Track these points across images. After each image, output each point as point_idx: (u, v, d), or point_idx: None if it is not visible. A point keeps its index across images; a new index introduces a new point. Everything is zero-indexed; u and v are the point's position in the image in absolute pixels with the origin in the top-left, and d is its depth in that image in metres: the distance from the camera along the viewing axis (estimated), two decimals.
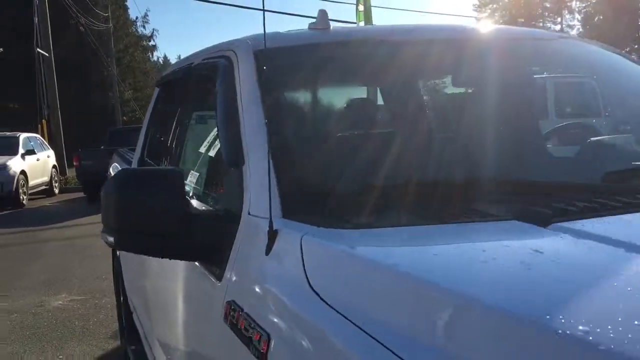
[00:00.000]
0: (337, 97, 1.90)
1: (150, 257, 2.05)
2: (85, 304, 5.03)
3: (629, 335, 0.66)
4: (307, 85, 1.74)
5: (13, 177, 12.00)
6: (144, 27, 40.42)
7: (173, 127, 2.31)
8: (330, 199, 1.24)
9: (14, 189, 11.97)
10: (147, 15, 42.55)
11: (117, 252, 3.41)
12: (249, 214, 1.29)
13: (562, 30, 47.83)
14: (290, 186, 1.27)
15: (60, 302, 5.14)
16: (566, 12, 48.17)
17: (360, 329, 0.84)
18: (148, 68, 41.48)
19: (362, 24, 10.69)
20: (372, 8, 11.07)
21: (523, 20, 48.32)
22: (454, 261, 0.97)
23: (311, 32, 1.82)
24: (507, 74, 1.68)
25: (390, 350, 0.77)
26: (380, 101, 2.02)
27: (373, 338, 0.81)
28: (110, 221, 1.35)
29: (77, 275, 6.06)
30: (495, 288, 0.86)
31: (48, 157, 14.81)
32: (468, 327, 0.78)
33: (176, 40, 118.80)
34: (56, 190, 14.70)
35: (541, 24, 49.65)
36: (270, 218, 1.16)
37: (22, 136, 13.66)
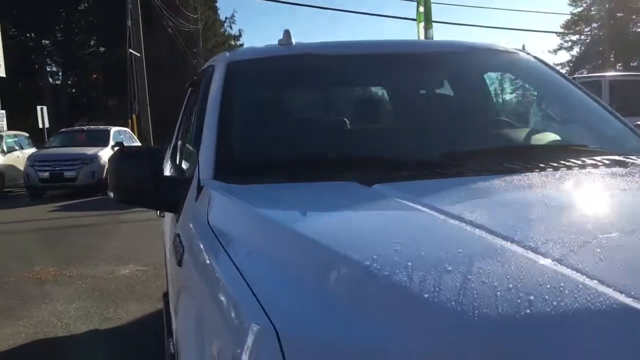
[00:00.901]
0: (286, 97, 2.45)
1: (165, 222, 2.68)
2: (147, 273, 5.85)
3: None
4: (265, 86, 2.31)
5: (103, 166, 13.35)
6: (230, 27, 42.34)
7: (185, 120, 2.94)
8: (247, 167, 1.81)
9: (103, 177, 13.31)
10: (234, 16, 44.39)
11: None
12: (195, 177, 1.87)
13: None
14: (223, 158, 1.84)
15: (127, 271, 5.99)
16: None
17: (225, 250, 1.35)
18: None
19: (422, 24, 11.07)
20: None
21: (622, 14, 45.89)
22: (289, 201, 1.51)
23: (278, 47, 2.38)
24: (405, 83, 2.19)
25: (234, 263, 1.27)
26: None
27: (228, 255, 1.31)
28: (110, 182, 1.98)
29: (145, 250, 6.93)
30: (299, 216, 1.39)
31: None
32: (283, 242, 1.29)
33: (260, 39, 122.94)
34: None
35: None
36: (199, 178, 1.73)
37: (113, 130, 15.10)
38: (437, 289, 0.90)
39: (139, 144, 16.86)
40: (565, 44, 51.77)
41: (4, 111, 19.32)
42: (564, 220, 1.27)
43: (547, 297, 0.85)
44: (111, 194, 1.98)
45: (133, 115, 19.74)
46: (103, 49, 36.54)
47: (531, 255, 1.00)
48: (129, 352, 3.96)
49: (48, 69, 36.88)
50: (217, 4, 41.19)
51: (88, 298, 5.08)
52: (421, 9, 11.18)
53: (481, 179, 1.57)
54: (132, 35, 19.49)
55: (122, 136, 15.48)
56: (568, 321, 0.82)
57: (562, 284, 0.88)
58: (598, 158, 1.73)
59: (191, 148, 2.49)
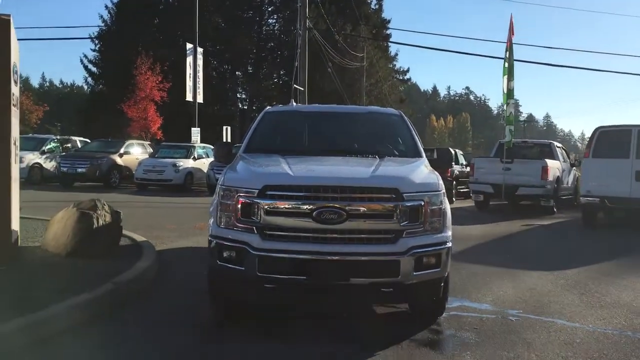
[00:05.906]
0: (280, 126, 5.84)
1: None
2: None
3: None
4: (273, 122, 5.78)
5: None
6: (393, 65, 46.31)
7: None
8: (253, 149, 5.30)
9: None
10: (397, 55, 48.58)
11: None
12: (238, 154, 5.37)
13: None
14: (250, 146, 5.34)
15: None
16: None
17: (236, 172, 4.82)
18: (402, 98, 46.89)
19: (505, 77, 13.62)
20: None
21: None
22: (254, 156, 4.96)
23: (288, 106, 5.88)
24: (345, 125, 5.61)
25: (227, 169, 4.75)
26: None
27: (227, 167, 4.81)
28: (214, 154, 5.59)
29: None
30: (250, 158, 4.86)
31: None
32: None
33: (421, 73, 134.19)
34: None
35: None
36: (238, 152, 5.25)
37: None
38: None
39: None
40: None
41: (199, 128, 24.98)
42: (337, 162, 4.68)
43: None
44: (213, 156, 5.65)
45: None
46: (286, 78, 42.49)
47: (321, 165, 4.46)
48: None
49: (238, 96, 43.87)
50: (387, 44, 45.43)
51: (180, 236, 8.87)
52: (506, 64, 13.65)
53: (325, 157, 4.86)
54: (298, 74, 24.04)
55: None
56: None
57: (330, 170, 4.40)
58: (374, 155, 4.90)
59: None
